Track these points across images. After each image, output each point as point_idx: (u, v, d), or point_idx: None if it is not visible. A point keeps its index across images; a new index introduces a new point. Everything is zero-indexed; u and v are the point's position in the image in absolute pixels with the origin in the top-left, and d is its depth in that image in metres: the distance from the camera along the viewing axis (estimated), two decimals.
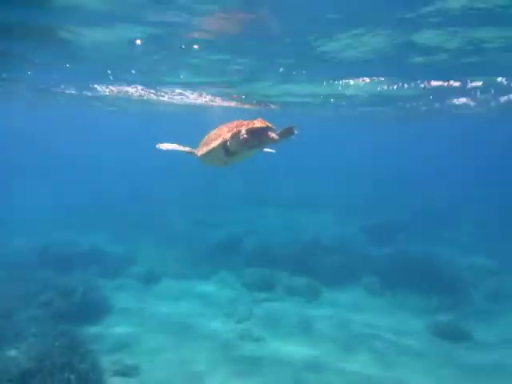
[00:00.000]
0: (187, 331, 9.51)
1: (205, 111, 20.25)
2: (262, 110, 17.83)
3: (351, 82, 11.26)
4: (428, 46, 7.47)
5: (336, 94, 13.53)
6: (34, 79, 13.53)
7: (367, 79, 10.89)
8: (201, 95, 15.33)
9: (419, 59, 8.54)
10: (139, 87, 14.27)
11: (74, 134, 43.42)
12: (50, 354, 7.24)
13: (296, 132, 3.44)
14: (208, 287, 12.64)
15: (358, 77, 10.75)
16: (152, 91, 14.96)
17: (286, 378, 7.67)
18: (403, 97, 14.05)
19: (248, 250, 14.53)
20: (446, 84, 11.33)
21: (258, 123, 3.39)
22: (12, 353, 7.08)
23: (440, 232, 17.47)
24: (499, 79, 10.85)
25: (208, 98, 15.75)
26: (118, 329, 9.54)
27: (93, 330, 9.31)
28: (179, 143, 4.30)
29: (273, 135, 3.40)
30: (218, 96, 15.37)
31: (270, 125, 3.41)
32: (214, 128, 3.91)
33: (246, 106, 17.18)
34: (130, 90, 14.73)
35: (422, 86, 11.42)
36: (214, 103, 16.86)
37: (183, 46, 7.92)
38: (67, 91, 16.05)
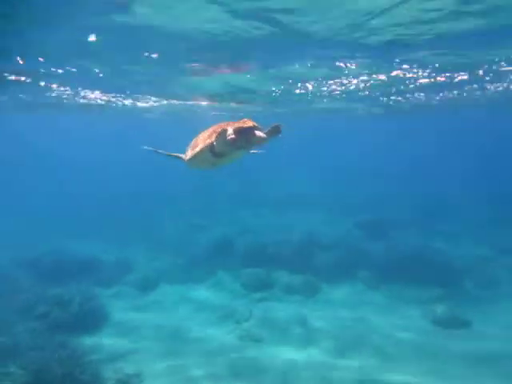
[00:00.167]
0: (186, 336, 9.50)
1: (192, 115, 20.28)
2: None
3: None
4: None
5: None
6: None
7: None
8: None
9: None
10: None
11: (63, 138, 43.02)
12: (50, 367, 7.19)
13: (282, 131, 3.43)
14: (205, 290, 12.62)
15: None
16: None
17: (285, 379, 7.67)
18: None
19: (243, 250, 14.52)
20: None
21: (245, 123, 3.37)
22: (11, 368, 7.01)
23: (432, 224, 17.69)
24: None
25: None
26: (117, 337, 9.47)
27: (91, 339, 9.24)
28: (166, 149, 4.34)
29: (260, 134, 3.36)
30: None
31: (256, 124, 3.42)
32: (202, 131, 3.93)
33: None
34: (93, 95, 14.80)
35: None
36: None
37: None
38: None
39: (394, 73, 10.85)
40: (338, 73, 10.70)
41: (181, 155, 4.22)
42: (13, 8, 5.46)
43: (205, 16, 5.90)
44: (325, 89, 13.27)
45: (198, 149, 3.75)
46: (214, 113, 19.48)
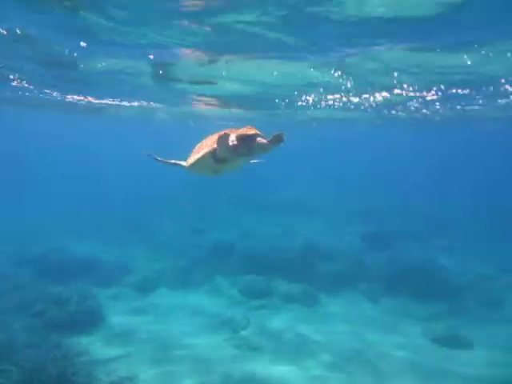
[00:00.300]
0: (182, 342, 9.38)
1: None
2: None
3: None
4: None
5: None
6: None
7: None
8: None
9: None
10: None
11: (65, 140, 43.39)
12: (45, 366, 7.17)
13: (284, 140, 3.38)
14: (203, 295, 12.55)
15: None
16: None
17: None
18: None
19: (242, 256, 14.46)
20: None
21: (248, 130, 3.39)
22: (6, 366, 6.99)
23: (435, 238, 17.50)
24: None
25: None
26: (113, 339, 9.43)
27: (87, 340, 9.20)
28: (169, 156, 4.31)
29: (263, 142, 3.38)
30: None
31: (259, 132, 3.44)
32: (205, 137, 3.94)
33: None
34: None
35: None
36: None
37: None
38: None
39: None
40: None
41: (181, 162, 4.20)
42: None
43: None
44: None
45: (199, 154, 3.77)
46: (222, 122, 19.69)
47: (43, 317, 9.50)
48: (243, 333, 9.88)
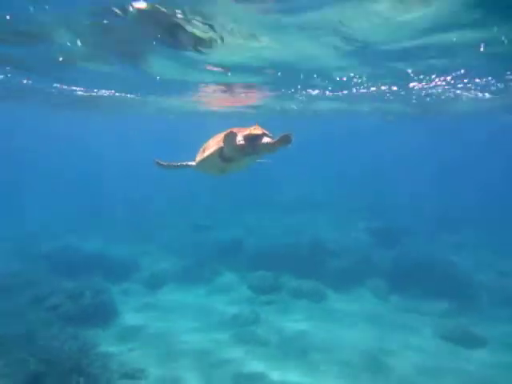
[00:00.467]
0: (191, 337, 9.55)
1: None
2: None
3: None
4: None
5: None
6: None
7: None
8: None
9: None
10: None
11: (75, 137, 43.95)
12: (60, 357, 7.42)
13: (292, 140, 3.34)
14: (212, 291, 12.70)
15: None
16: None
17: None
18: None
19: (251, 252, 14.58)
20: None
21: (255, 130, 3.43)
22: (24, 355, 7.25)
23: (445, 234, 17.30)
24: None
25: None
26: (125, 332, 9.69)
27: (100, 332, 9.48)
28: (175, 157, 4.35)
29: (270, 142, 3.40)
30: None
31: (266, 132, 3.49)
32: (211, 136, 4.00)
33: None
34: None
35: None
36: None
37: None
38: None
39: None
40: None
41: (189, 163, 4.23)
42: None
43: None
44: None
45: (207, 153, 3.81)
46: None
47: (58, 310, 9.79)
48: (251, 328, 9.97)
